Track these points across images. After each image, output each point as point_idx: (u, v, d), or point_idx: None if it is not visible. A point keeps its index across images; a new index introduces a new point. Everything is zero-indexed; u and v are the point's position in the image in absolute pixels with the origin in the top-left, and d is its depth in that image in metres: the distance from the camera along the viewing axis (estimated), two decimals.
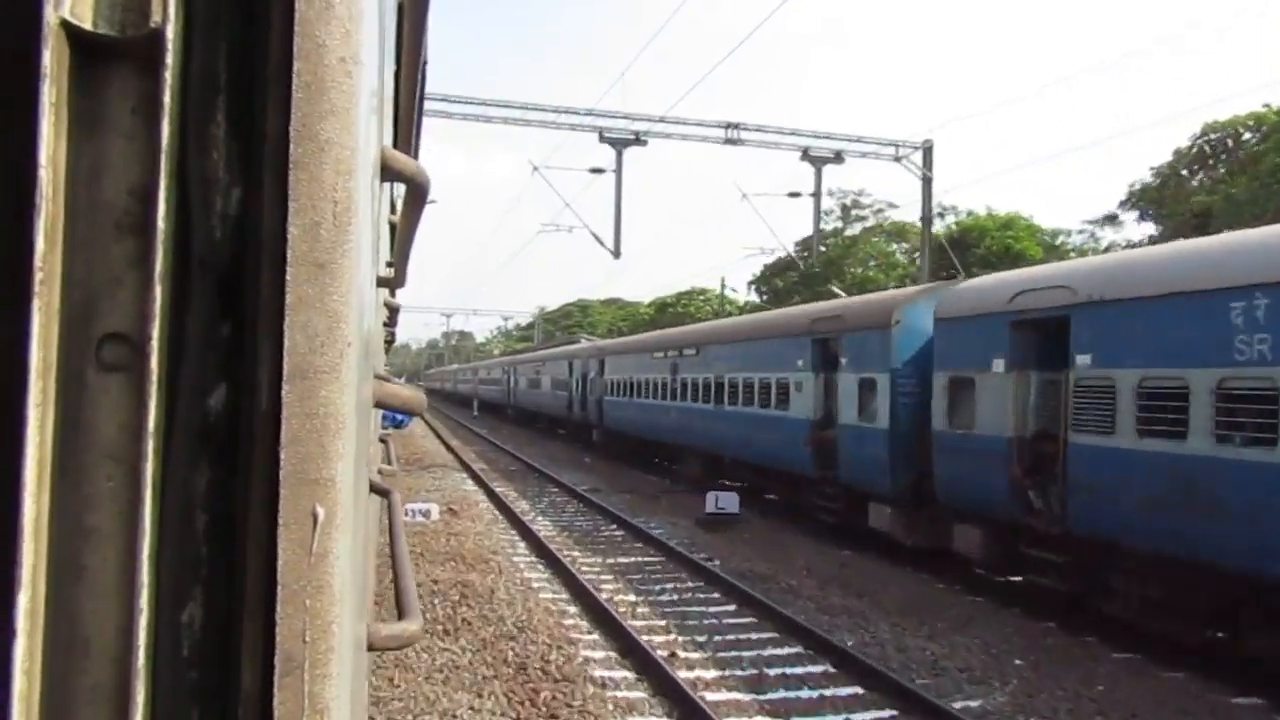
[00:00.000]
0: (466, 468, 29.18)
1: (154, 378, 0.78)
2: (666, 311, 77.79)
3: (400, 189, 3.17)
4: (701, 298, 78.32)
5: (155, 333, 0.78)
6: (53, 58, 0.74)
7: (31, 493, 0.74)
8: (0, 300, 0.74)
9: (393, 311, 5.16)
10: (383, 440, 6.80)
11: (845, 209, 65.50)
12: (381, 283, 2.80)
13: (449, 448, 36.91)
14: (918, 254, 60.30)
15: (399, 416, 35.25)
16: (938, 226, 56.99)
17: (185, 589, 0.80)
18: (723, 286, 63.02)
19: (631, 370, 30.81)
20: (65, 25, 0.75)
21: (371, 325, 1.49)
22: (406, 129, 3.39)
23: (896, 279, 52.36)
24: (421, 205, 2.25)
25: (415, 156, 3.93)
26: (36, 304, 0.74)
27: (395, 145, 3.08)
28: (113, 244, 0.79)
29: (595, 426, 36.09)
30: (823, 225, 64.03)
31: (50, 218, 0.75)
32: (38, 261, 0.74)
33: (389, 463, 5.87)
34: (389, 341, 6.81)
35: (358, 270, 0.88)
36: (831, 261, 61.19)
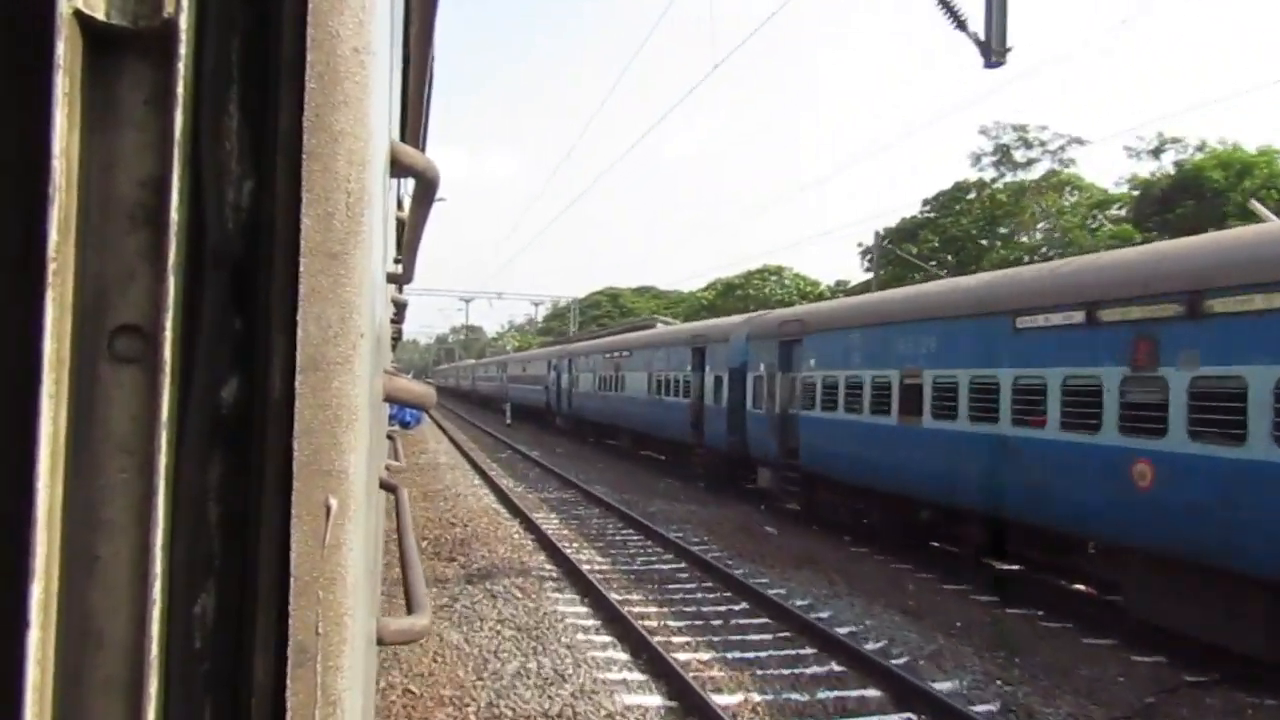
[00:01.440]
0: (569, 573, 12.71)
1: (167, 370, 0.78)
2: (733, 295, 62.72)
3: (408, 185, 3.17)
4: (775, 278, 63.83)
5: (168, 325, 0.78)
6: (66, 48, 0.74)
7: (44, 485, 0.74)
8: (13, 292, 0.74)
9: (400, 307, 5.17)
10: (390, 437, 6.81)
11: (1004, 150, 45.01)
12: (389, 278, 2.79)
13: (502, 495, 20.18)
14: (1096, 212, 41.07)
15: (407, 417, 34.62)
16: (1151, 167, 40.82)
17: (198, 581, 0.80)
18: (881, 236, 39.34)
19: (907, 360, 13.77)
20: (78, 16, 0.75)
21: (383, 318, 1.49)
22: (415, 123, 3.39)
23: (1101, 242, 33.80)
24: (430, 200, 2.25)
25: (423, 151, 3.93)
26: (50, 296, 0.74)
27: (403, 139, 3.07)
28: (126, 236, 0.79)
29: (768, 463, 19.11)
30: (968, 174, 45.54)
31: (63, 210, 0.75)
32: (51, 253, 0.74)
33: (396, 459, 5.87)
34: (396, 338, 6.82)
35: (370, 261, 0.87)
36: (994, 219, 43.77)
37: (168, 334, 0.78)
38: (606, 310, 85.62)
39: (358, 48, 0.83)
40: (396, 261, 3.56)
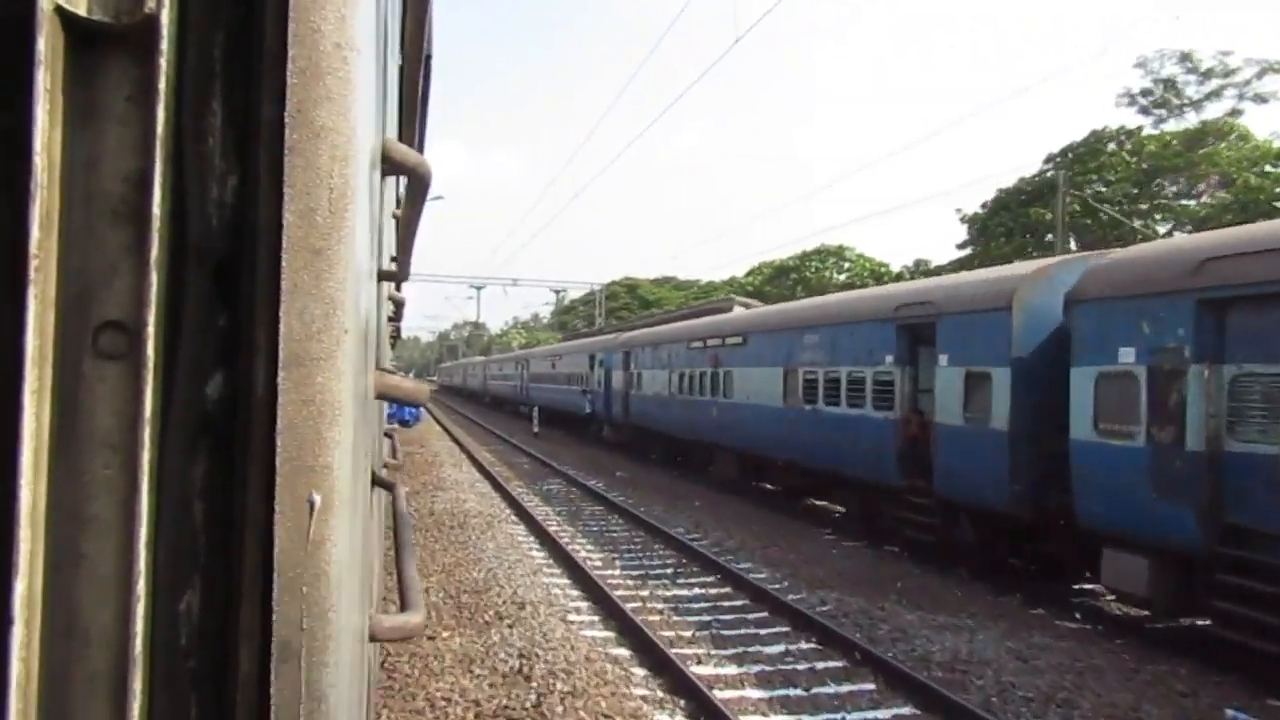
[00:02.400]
0: None
1: (151, 365, 0.78)
2: (786, 279, 54.91)
3: (405, 184, 3.17)
4: (834, 259, 55.58)
5: (152, 320, 0.78)
6: (47, 44, 0.74)
7: (29, 481, 0.74)
8: None
9: (398, 305, 5.17)
10: (388, 435, 6.82)
11: (1167, 86, 35.09)
12: (386, 276, 2.79)
13: (600, 598, 10.58)
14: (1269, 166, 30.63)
15: (406, 415, 34.57)
16: None
17: (183, 577, 0.80)
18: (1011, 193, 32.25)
19: None
20: (60, 11, 0.75)
21: (371, 314, 1.49)
22: (410, 123, 3.39)
23: None
24: (424, 197, 2.25)
25: (420, 151, 3.93)
26: (32, 292, 0.74)
27: (400, 138, 3.07)
28: (109, 231, 0.79)
29: (1143, 546, 9.07)
30: (1108, 121, 34.35)
31: (45, 205, 0.75)
32: (33, 249, 0.74)
33: (394, 457, 5.88)
34: (395, 336, 6.82)
35: (354, 257, 0.87)
36: (1154, 174, 33.54)
37: (151, 330, 0.78)
38: (624, 302, 75.90)
39: (340, 43, 0.83)
40: (393, 259, 3.56)
